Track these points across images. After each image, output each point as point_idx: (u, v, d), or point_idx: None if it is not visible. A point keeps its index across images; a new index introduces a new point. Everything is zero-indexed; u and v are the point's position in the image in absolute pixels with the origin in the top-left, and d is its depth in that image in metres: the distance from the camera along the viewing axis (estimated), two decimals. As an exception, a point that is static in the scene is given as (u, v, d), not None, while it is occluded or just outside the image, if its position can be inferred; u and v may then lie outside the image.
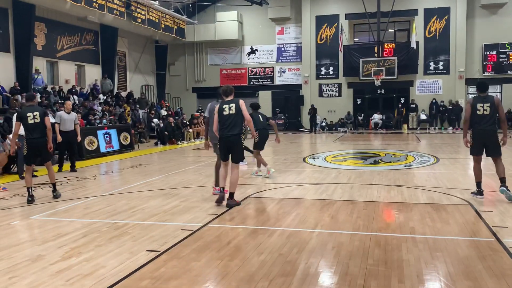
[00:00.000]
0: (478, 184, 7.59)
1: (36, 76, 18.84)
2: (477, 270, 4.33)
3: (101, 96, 22.09)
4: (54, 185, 8.24)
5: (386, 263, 4.57)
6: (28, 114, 7.76)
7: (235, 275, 4.37)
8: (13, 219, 6.70)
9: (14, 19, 17.99)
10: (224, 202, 7.27)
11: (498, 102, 7.31)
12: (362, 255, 4.80)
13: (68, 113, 11.92)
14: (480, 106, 7.28)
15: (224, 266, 4.58)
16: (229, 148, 7.12)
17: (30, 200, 7.79)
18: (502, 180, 7.35)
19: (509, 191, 7.21)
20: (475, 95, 7.61)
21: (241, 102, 7.16)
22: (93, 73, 23.17)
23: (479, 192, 7.55)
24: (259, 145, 10.06)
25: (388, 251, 4.94)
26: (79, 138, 12.20)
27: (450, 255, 4.75)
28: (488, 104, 7.25)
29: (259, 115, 10.06)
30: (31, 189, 7.92)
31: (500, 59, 26.43)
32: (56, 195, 8.17)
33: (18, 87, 17.38)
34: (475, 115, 7.32)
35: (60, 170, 11.86)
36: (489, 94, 7.41)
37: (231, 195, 7.23)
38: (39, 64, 19.39)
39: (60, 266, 4.62)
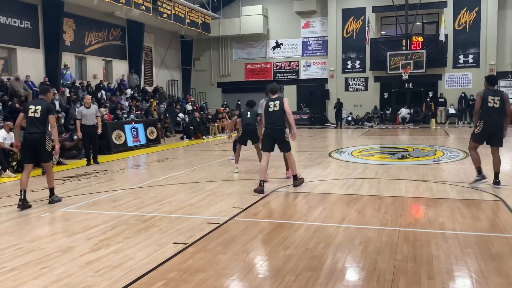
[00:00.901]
0: (479, 169, 7.77)
1: (64, 72, 19.19)
2: (510, 266, 4.22)
3: (128, 91, 22.37)
4: (51, 190, 7.37)
5: (415, 259, 4.48)
6: (31, 107, 7.18)
7: (261, 268, 4.36)
8: (43, 211, 6.84)
9: (43, 15, 18.35)
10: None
11: (507, 97, 7.62)
12: (391, 251, 4.72)
13: (88, 107, 12.08)
14: (491, 99, 7.57)
15: (250, 260, 4.58)
16: (275, 139, 7.92)
17: (21, 205, 6.89)
18: (496, 176, 7.78)
19: (499, 186, 7.69)
20: (484, 89, 7.85)
21: (285, 99, 7.95)
22: (120, 68, 23.48)
23: (482, 176, 7.76)
24: (241, 140, 10.06)
25: (417, 247, 4.85)
26: (99, 131, 12.38)
27: (481, 252, 4.64)
28: (499, 98, 7.53)
29: (248, 112, 9.66)
30: (24, 193, 6.99)
31: (533, 52, 25.63)
32: (52, 200, 7.32)
33: (48, 83, 17.72)
34: (486, 107, 7.58)
35: (88, 163, 12.07)
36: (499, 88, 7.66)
37: (295, 177, 8.14)
38: (68, 59, 19.74)
39: (89, 257, 4.69)
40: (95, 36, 21.70)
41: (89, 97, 12.80)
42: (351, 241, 5.12)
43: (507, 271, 4.11)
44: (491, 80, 7.84)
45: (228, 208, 6.76)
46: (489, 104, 7.53)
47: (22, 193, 6.96)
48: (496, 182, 7.76)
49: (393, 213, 6.31)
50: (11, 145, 10.25)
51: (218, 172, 10.44)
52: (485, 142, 7.79)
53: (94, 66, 21.81)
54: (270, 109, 7.85)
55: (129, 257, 4.68)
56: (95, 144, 12.40)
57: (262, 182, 7.84)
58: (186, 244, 5.05)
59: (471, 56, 26.61)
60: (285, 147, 8.00)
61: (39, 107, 7.15)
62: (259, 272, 4.27)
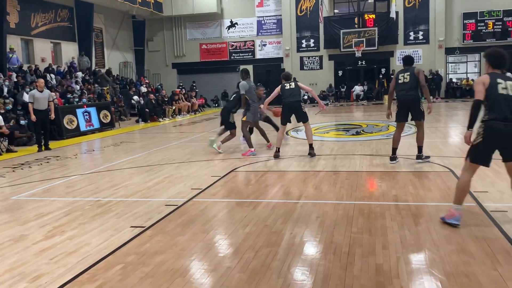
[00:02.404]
0: (394, 150, 7.99)
1: (10, 55, 18.32)
2: (459, 234, 4.41)
3: (79, 74, 21.63)
4: None
5: (370, 230, 4.62)
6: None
7: (221, 247, 4.37)
8: (-7, 201, 6.59)
9: (-16, -4, 17.37)
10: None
11: (418, 72, 7.71)
12: (346, 224, 4.84)
13: (41, 91, 11.63)
14: (401, 76, 7.78)
15: (209, 239, 4.58)
16: (293, 111, 9.02)
17: None
18: (419, 150, 7.94)
19: (421, 160, 7.91)
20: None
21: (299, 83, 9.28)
22: (69, 51, 22.64)
23: (393, 158, 8.00)
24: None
25: (371, 219, 4.99)
26: (52, 116, 11.99)
27: (432, 221, 4.83)
28: (408, 73, 7.71)
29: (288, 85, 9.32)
30: None
31: (479, 28, 26.56)
32: None
33: None
34: (397, 84, 7.82)
35: (40, 150, 11.67)
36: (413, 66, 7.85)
37: (311, 145, 9.06)
38: (13, 42, 18.84)
39: (43, 245, 4.56)
40: (42, 17, 20.75)
41: (42, 80, 12.28)
42: (308, 216, 5.21)
43: (456, 239, 4.30)
44: (406, 60, 8.04)
45: (187, 189, 6.72)
46: (399, 81, 7.75)
47: None
48: (419, 156, 7.93)
49: (348, 187, 6.46)
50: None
51: (176, 154, 10.33)
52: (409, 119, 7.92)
53: (42, 49, 20.92)
54: (286, 88, 9.05)
55: (85, 242, 4.58)
56: (47, 130, 11.97)
57: (278, 149, 9.04)
58: (143, 227, 5.00)
59: (421, 32, 27.28)
60: (304, 118, 9.04)
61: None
62: (219, 251, 4.28)
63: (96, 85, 21.39)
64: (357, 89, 27.92)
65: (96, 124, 16.51)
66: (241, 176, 7.70)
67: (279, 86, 9.21)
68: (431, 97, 8.46)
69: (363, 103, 26.34)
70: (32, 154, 11.26)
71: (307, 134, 9.16)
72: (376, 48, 26.50)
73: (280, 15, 28.64)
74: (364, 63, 28.26)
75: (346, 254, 4.05)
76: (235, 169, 8.16)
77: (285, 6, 28.23)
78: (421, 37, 27.30)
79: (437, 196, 5.80)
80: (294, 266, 3.85)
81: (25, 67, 18.77)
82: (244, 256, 4.07)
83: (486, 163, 4.58)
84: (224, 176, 7.59)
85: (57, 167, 9.32)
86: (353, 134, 12.65)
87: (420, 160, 7.92)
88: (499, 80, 4.46)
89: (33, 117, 11.42)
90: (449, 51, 27.09)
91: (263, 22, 29.36)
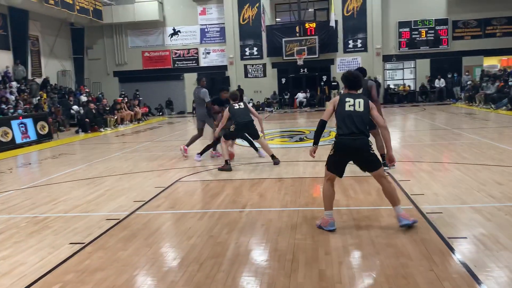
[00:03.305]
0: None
1: None
2: (398, 237, 4.57)
3: (14, 83, 20.64)
4: None
5: (313, 236, 4.69)
6: None
7: (165, 261, 4.30)
8: None
9: None
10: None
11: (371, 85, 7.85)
12: (291, 231, 4.90)
13: None
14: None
15: (153, 253, 4.49)
16: (246, 130, 9.13)
17: None
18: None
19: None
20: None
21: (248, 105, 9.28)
22: (3, 60, 21.55)
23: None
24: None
25: (314, 225, 5.07)
26: None
27: (373, 225, 4.97)
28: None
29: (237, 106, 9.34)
30: None
31: (413, 36, 27.81)
32: None
33: None
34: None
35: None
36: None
37: (273, 156, 9.05)
38: None
39: (-27, 267, 4.30)
40: (-29, 24, 19.67)
41: None
42: (253, 224, 5.22)
43: (396, 242, 4.45)
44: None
45: (129, 202, 6.55)
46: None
47: None
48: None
49: (292, 194, 6.54)
50: None
51: (118, 165, 10.07)
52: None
53: (-28, 58, 19.81)
54: (236, 107, 8.90)
55: (20, 262, 4.36)
56: None
57: (228, 161, 8.70)
58: (83, 243, 4.82)
59: (359, 40, 28.19)
60: (257, 135, 9.05)
61: None
62: (162, 265, 4.20)
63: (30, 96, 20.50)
64: (300, 96, 28.43)
65: (33, 136, 15.79)
66: (186, 186, 7.61)
67: (227, 108, 8.99)
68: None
69: (306, 110, 26.84)
70: (-38, 170, 10.60)
71: (265, 148, 9.14)
72: (317, 56, 27.11)
73: (223, 23, 28.71)
74: (306, 71, 28.82)
75: (290, 261, 4.09)
76: (180, 179, 8.06)
77: (228, 14, 28.34)
78: (359, 45, 28.21)
79: (377, 200, 5.98)
80: (239, 277, 3.84)
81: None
82: (189, 269, 4.02)
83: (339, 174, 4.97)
84: (169, 187, 7.48)
85: (-11, 182, 8.83)
86: (296, 141, 12.85)
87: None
88: (347, 99, 4.88)
89: None
90: (386, 58, 28.16)
91: (206, 30, 29.31)
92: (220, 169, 8.62)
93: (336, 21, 27.15)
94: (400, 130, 14.13)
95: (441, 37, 27.61)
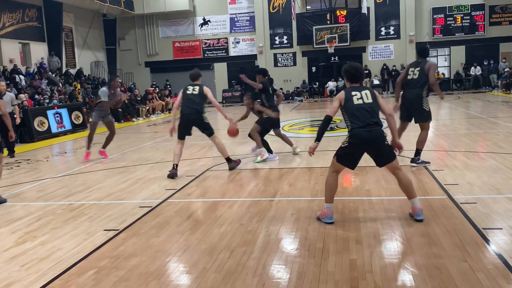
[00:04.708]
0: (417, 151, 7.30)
1: (-24, 57, 17.84)
2: (431, 227, 4.50)
3: (49, 74, 21.18)
4: None
5: (344, 226, 4.67)
6: None
7: (196, 248, 4.36)
8: (-39, 207, 6.40)
9: None
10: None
11: (429, 66, 7.02)
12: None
13: (3, 94, 11.14)
14: (411, 71, 7.13)
15: (184, 240, 4.56)
16: (192, 124, 7.68)
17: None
18: (417, 153, 7.26)
19: (416, 164, 7.17)
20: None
21: (206, 89, 7.84)
22: (39, 51, 22.15)
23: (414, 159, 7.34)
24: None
25: (345, 214, 5.05)
26: (17, 120, 11.59)
27: (405, 215, 4.91)
28: (419, 68, 7.05)
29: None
30: None
31: (448, 22, 27.08)
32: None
33: None
34: (406, 79, 7.22)
35: (10, 155, 11.37)
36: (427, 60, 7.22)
37: (228, 158, 7.85)
38: (-21, 43, 18.35)
39: (14, 251, 4.46)
40: (9, 17, 20.24)
41: (3, 83, 11.89)
42: (283, 213, 5.23)
43: (428, 231, 4.38)
44: (418, 52, 7.50)
45: (161, 190, 6.66)
46: (408, 77, 7.15)
47: None
48: (414, 159, 7.25)
49: (322, 183, 6.46)
50: None
51: (150, 154, 10.24)
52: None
53: (10, 50, 20.41)
54: (188, 92, 7.60)
55: (57, 248, 4.50)
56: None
57: (176, 165, 7.53)
58: (117, 230, 4.94)
59: (392, 28, 27.66)
60: (209, 131, 7.66)
61: None
62: (194, 252, 4.26)
63: (67, 85, 21.00)
64: (331, 84, 28.16)
65: (68, 126, 16.21)
66: (217, 175, 7.68)
67: (181, 90, 7.81)
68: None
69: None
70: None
71: (220, 149, 7.78)
72: (348, 43, 26.76)
73: (253, 12, 28.62)
74: (337, 59, 28.50)
75: (320, 250, 4.08)
76: (210, 168, 8.13)
77: (258, 3, 28.22)
78: (392, 32, 27.67)
79: (409, 190, 5.88)
80: (269, 265, 3.86)
81: (-8, 69, 18.29)
82: (220, 256, 4.06)
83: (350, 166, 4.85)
84: (199, 175, 7.56)
85: (27, 170, 9.12)
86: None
87: (414, 164, 7.19)
88: (353, 93, 4.73)
89: None
90: (420, 45, 27.53)
91: (236, 19, 29.29)
92: (169, 176, 7.49)
93: (368, 8, 26.71)
94: (434, 119, 13.83)
95: (477, 23, 26.80)
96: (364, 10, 26.35)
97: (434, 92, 7.68)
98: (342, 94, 4.82)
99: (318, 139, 4.95)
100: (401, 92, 7.47)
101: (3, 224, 5.44)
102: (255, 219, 5.07)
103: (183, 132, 7.62)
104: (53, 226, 5.23)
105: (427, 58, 7.33)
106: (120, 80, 10.34)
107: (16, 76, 18.79)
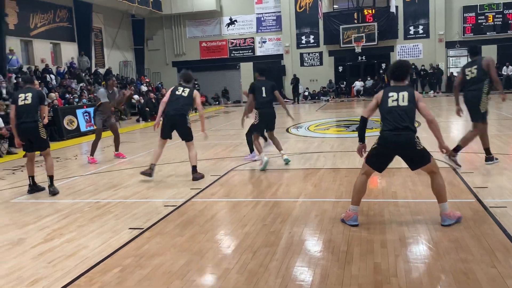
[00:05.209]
0: (486, 150, 7.21)
1: (10, 57, 18.32)
2: (458, 231, 4.39)
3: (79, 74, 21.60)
4: (51, 178, 6.92)
5: (369, 228, 4.60)
6: (20, 95, 6.80)
7: (219, 248, 4.36)
8: (-7, 204, 6.58)
9: (-17, -2, 17.36)
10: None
11: (487, 64, 6.80)
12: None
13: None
14: (469, 71, 6.95)
15: (208, 240, 4.57)
16: (174, 126, 7.46)
17: (30, 190, 6.99)
18: (487, 152, 7.14)
19: (449, 160, 7.05)
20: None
21: (197, 93, 7.63)
22: (69, 51, 22.63)
23: (488, 158, 7.19)
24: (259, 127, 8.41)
25: (370, 216, 4.98)
26: (45, 121, 11.67)
27: (431, 218, 4.80)
28: (476, 67, 6.87)
29: (263, 87, 8.32)
30: (33, 178, 7.07)
31: (479, 21, 26.44)
32: (52, 191, 6.84)
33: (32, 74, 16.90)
34: (464, 79, 7.03)
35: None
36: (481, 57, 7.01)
37: (194, 167, 7.39)
38: (13, 44, 18.83)
39: (41, 248, 4.56)
40: (41, 18, 20.74)
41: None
42: (307, 214, 5.19)
43: (455, 236, 4.28)
44: (471, 51, 7.36)
45: (186, 189, 6.70)
46: (467, 77, 6.96)
47: (30, 179, 7.06)
48: (451, 153, 6.90)
49: (347, 184, 6.43)
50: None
51: (176, 153, 10.32)
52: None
53: (42, 50, 20.91)
54: (178, 93, 7.37)
55: (83, 245, 4.58)
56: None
57: (153, 165, 7.45)
58: (142, 229, 4.99)
59: (421, 27, 27.17)
60: (188, 136, 7.47)
61: (29, 94, 6.81)
62: (217, 252, 4.27)
63: (96, 85, 21.37)
64: (358, 84, 27.86)
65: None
66: (240, 175, 7.68)
67: (171, 88, 7.60)
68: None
69: (364, 99, 26.26)
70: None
71: (191, 156, 7.45)
72: (376, 43, 26.43)
73: (280, 11, 28.57)
74: (364, 58, 28.17)
75: (344, 252, 4.03)
76: (234, 168, 8.14)
77: (284, 2, 28.15)
78: (421, 31, 27.19)
79: (437, 193, 5.76)
80: (292, 266, 3.83)
81: (24, 68, 18.76)
82: (242, 257, 4.06)
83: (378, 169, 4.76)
84: (224, 175, 7.58)
85: (57, 168, 9.28)
86: (353, 130, 12.61)
87: (448, 159, 7.04)
88: (390, 94, 4.59)
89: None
90: (450, 44, 26.98)
91: (262, 19, 29.29)
92: (142, 173, 7.50)
93: (396, 7, 26.33)
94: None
95: (509, 21, 26.06)
96: (393, 9, 25.97)
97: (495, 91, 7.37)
98: (380, 93, 4.73)
99: (361, 139, 4.84)
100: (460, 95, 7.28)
101: (32, 221, 5.57)
102: (278, 219, 5.04)
103: (167, 132, 7.50)
104: (80, 224, 5.32)
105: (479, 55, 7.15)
106: (114, 80, 10.31)
107: (47, 75, 19.24)
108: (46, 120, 7.46)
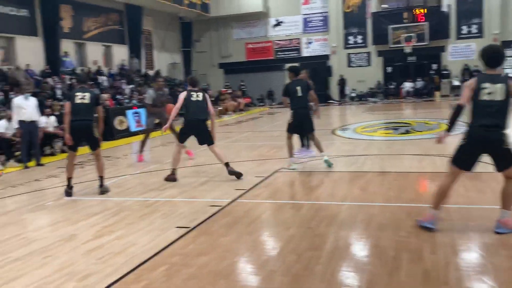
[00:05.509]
0: None
1: (65, 59, 19.08)
2: (514, 239, 4.18)
3: (129, 75, 22.22)
4: (101, 178, 7.11)
5: (418, 234, 4.46)
6: (77, 94, 6.90)
7: (264, 249, 4.36)
8: (47, 200, 6.86)
9: (40, 3, 18.12)
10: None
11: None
12: (394, 227, 4.70)
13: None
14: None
15: (252, 241, 4.57)
16: (197, 131, 7.59)
17: (69, 192, 6.93)
18: None
19: None
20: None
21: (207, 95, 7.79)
22: (120, 53, 23.30)
23: None
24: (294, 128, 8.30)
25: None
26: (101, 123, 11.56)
27: (485, 225, 4.60)
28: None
29: (298, 87, 8.11)
30: (71, 180, 7.04)
31: (538, 19, 25.18)
32: (103, 190, 7.02)
33: (49, 70, 17.68)
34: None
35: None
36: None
37: (227, 164, 7.55)
38: (67, 46, 19.59)
39: (92, 245, 4.71)
40: (94, 21, 21.48)
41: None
42: (354, 218, 5.10)
43: (510, 243, 4.08)
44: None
45: (231, 190, 6.74)
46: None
47: (69, 181, 7.00)
48: None
49: (396, 189, 6.28)
50: (14, 135, 10.27)
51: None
52: None
53: (94, 52, 21.64)
54: (193, 98, 7.48)
55: (132, 243, 4.69)
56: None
57: (174, 170, 7.65)
58: (188, 228, 5.05)
59: (474, 26, 26.15)
60: (210, 140, 7.62)
61: (87, 94, 6.91)
62: (262, 253, 4.27)
63: (145, 86, 21.92)
64: (407, 85, 27.15)
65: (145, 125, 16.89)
66: (286, 177, 7.65)
67: (184, 94, 7.63)
68: None
69: (413, 100, 25.56)
70: (86, 154, 11.64)
71: (219, 156, 7.63)
72: (426, 43, 25.69)
73: (327, 12, 28.28)
74: (414, 59, 27.42)
75: (392, 258, 3.93)
76: (279, 169, 8.12)
77: (332, 3, 27.84)
78: (474, 31, 26.17)
79: (491, 199, 5.52)
80: (338, 271, 3.77)
81: (78, 70, 19.48)
82: (287, 259, 4.03)
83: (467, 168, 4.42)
84: (269, 176, 7.57)
85: (107, 167, 9.55)
86: (402, 133, 12.32)
87: None
88: (484, 85, 4.18)
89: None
90: (506, 44, 25.78)
91: (309, 19, 29.11)
92: (166, 179, 7.64)
93: (448, 6, 25.49)
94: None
95: None
96: (445, 8, 25.17)
97: None
98: (473, 82, 4.29)
99: (450, 129, 4.45)
100: None
101: (82, 217, 5.76)
102: (323, 223, 4.98)
103: (186, 137, 7.68)
104: (129, 222, 5.46)
105: None
106: (162, 80, 10.46)
107: (99, 77, 19.90)
108: (102, 123, 7.44)
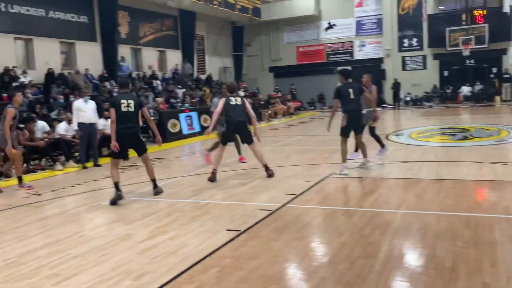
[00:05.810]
0: None
1: (122, 64, 19.76)
2: None
3: (183, 80, 22.70)
4: (154, 181, 7.24)
5: (477, 245, 4.26)
6: (122, 101, 6.87)
7: (315, 256, 4.31)
8: (103, 200, 7.09)
9: (99, 9, 18.90)
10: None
11: None
12: (450, 237, 4.52)
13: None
14: None
15: (303, 247, 4.53)
16: (238, 132, 8.28)
17: (118, 196, 6.78)
18: None
19: None
20: None
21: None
22: (174, 58, 23.87)
23: None
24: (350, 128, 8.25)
25: (479, 232, 4.61)
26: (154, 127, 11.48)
27: (551, 238, 4.34)
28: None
29: (350, 89, 8.05)
30: (119, 184, 6.93)
31: None
32: (157, 192, 7.16)
33: (106, 75, 18.37)
34: None
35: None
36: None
37: (266, 166, 8.07)
38: (124, 51, 20.28)
39: (146, 244, 4.82)
40: (149, 27, 22.14)
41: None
42: (409, 227, 4.95)
43: None
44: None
45: (280, 194, 6.72)
46: None
47: (117, 186, 6.85)
48: None
49: (453, 197, 6.04)
50: (73, 136, 10.72)
51: (271, 158, 10.39)
52: None
53: (149, 57, 22.29)
54: (232, 103, 7.95)
55: (184, 244, 4.76)
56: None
57: (215, 170, 8.00)
58: (239, 231, 5.08)
59: (539, 27, 24.84)
60: (250, 140, 8.08)
61: (131, 102, 6.92)
62: (313, 260, 4.22)
63: (197, 90, 22.33)
64: (465, 89, 26.13)
65: (197, 128, 17.22)
66: (337, 182, 7.54)
67: (223, 100, 8.07)
68: None
69: (472, 105, 24.57)
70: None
71: (258, 157, 8.13)
72: (486, 45, 24.63)
73: (381, 14, 27.74)
74: (472, 62, 26.36)
75: (449, 270, 3.77)
76: (331, 175, 8.01)
77: (386, 5, 27.27)
78: (539, 32, 24.85)
79: (558, 210, 5.21)
80: (392, 280, 3.67)
81: (134, 75, 20.12)
82: (339, 267, 3.96)
83: None
84: (319, 182, 7.49)
85: (160, 168, 9.83)
86: (460, 139, 11.86)
87: None
88: None
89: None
90: None
91: (362, 22, 28.66)
92: (208, 179, 7.94)
93: (511, 7, 24.33)
94: None
95: None
96: (506, 9, 24.05)
97: None
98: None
99: None
100: None
101: (138, 217, 5.92)
102: (377, 231, 4.86)
103: (229, 139, 8.25)
104: (181, 223, 5.56)
105: None
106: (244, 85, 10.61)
107: (153, 81, 20.46)
108: (152, 123, 7.64)
